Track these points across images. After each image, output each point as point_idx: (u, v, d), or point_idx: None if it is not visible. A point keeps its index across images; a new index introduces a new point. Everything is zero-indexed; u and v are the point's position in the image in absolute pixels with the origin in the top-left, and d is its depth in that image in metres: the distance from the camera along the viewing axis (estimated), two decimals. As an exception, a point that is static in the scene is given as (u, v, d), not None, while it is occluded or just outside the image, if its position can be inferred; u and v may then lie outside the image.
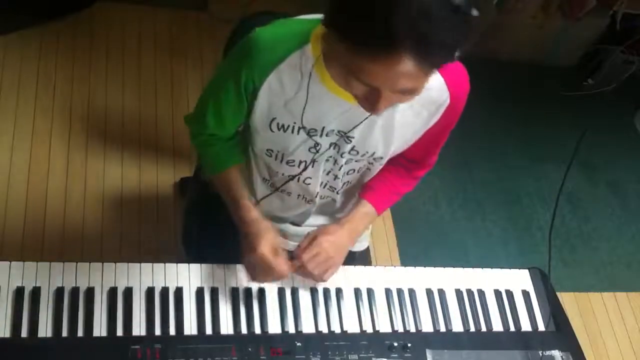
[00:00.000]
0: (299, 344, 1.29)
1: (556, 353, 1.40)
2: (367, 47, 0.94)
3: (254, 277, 1.36)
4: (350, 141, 1.29)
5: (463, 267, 1.51)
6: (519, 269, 1.55)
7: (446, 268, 1.49)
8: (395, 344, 1.32)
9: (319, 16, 1.15)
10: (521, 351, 1.39)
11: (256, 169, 1.44)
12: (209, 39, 2.84)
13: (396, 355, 1.31)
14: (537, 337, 1.43)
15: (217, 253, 1.51)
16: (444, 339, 1.38)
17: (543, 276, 1.54)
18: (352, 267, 1.44)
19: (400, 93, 1.03)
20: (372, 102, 1.05)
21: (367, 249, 1.69)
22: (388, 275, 1.45)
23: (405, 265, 1.69)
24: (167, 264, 1.34)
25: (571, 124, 3.13)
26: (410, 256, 2.52)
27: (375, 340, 1.33)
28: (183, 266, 1.35)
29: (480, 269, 1.52)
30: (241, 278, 1.36)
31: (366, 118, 1.23)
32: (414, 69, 0.94)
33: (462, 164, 2.88)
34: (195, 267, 1.35)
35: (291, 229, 1.55)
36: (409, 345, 1.32)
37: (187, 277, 1.33)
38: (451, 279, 1.48)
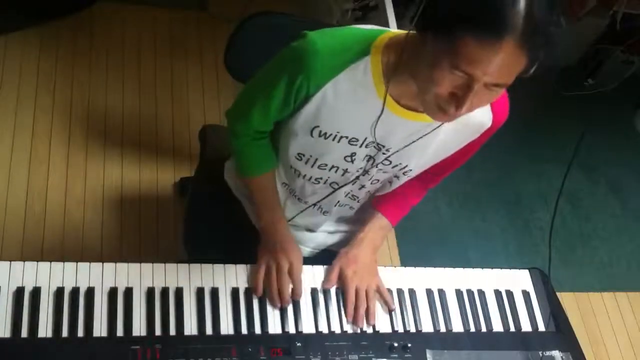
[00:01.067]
0: (299, 344, 1.29)
1: (556, 353, 1.40)
2: (480, 30, 0.97)
3: (262, 281, 1.35)
4: (387, 152, 1.29)
5: (463, 267, 1.51)
6: (519, 269, 1.55)
7: (446, 268, 1.49)
8: (395, 344, 1.32)
9: (373, 27, 1.19)
10: (521, 351, 1.39)
11: (276, 173, 1.45)
12: (209, 39, 2.85)
13: (396, 355, 1.31)
14: (537, 338, 1.43)
15: (217, 253, 1.52)
16: (444, 339, 1.38)
17: (543, 276, 1.54)
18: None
19: (488, 90, 1.03)
20: (460, 98, 1.04)
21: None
22: (388, 275, 1.45)
23: (405, 265, 1.69)
24: (167, 264, 1.34)
25: (571, 124, 3.12)
26: (410, 256, 2.52)
27: (375, 340, 1.33)
28: (183, 266, 1.35)
29: (480, 269, 1.52)
30: (241, 278, 1.36)
31: (423, 136, 1.24)
32: (516, 56, 0.98)
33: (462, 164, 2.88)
34: (195, 267, 1.35)
35: (306, 235, 1.56)
36: (409, 345, 1.32)
37: (187, 277, 1.33)
38: (451, 279, 1.48)
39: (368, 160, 1.32)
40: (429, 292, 1.44)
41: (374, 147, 1.29)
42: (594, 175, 3.07)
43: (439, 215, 2.72)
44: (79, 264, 1.29)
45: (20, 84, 2.53)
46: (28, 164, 2.35)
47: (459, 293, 1.46)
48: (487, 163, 2.93)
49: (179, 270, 1.34)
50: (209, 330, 1.27)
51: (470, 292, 1.46)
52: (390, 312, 1.39)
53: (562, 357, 1.40)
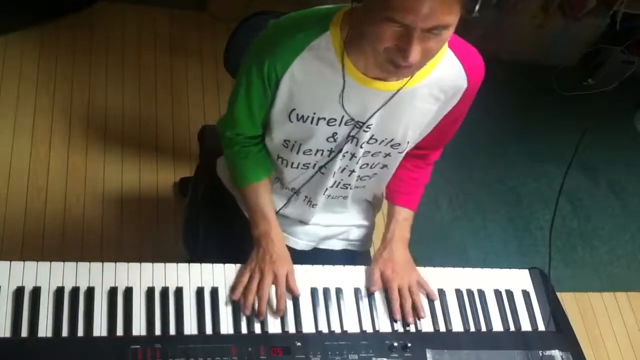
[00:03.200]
0: (299, 343, 1.28)
1: (556, 353, 1.40)
2: None
3: (244, 287, 1.33)
4: (368, 130, 1.30)
5: (463, 267, 1.51)
6: (519, 269, 1.55)
7: (446, 268, 1.49)
8: (395, 344, 1.32)
9: (334, 5, 1.19)
10: (521, 351, 1.39)
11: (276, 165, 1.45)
12: (209, 39, 2.85)
13: (396, 355, 1.31)
14: (537, 337, 1.43)
15: (217, 253, 1.52)
16: (444, 339, 1.38)
17: (543, 276, 1.54)
18: (352, 267, 1.44)
19: (430, 34, 1.04)
20: (404, 48, 1.05)
21: (368, 251, 1.69)
22: (388, 275, 1.45)
23: (405, 265, 1.68)
24: (167, 264, 1.34)
25: (571, 124, 3.12)
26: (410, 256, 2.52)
27: (375, 340, 1.33)
28: (183, 266, 1.35)
29: (480, 269, 1.52)
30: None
31: (383, 105, 1.24)
32: None
33: (462, 164, 2.88)
34: (195, 267, 1.35)
35: (299, 228, 1.55)
36: (409, 345, 1.32)
37: (187, 277, 1.33)
38: (451, 279, 1.48)
39: (352, 141, 1.32)
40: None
41: (354, 125, 1.29)
42: (594, 175, 3.07)
43: (439, 215, 2.72)
44: (79, 263, 1.29)
45: (20, 84, 2.53)
46: (28, 163, 2.35)
47: (459, 293, 1.46)
48: (487, 163, 2.94)
49: (179, 270, 1.34)
50: (208, 330, 1.27)
51: (470, 292, 1.46)
52: (431, 302, 1.42)
53: (562, 357, 1.40)
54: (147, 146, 2.50)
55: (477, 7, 1.03)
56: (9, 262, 1.25)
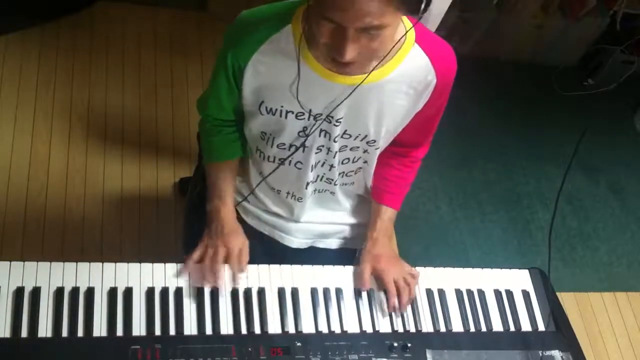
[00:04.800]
0: (299, 344, 1.29)
1: (556, 353, 1.40)
2: None
3: (201, 259, 1.34)
4: (338, 124, 1.29)
5: (463, 267, 1.51)
6: (519, 269, 1.55)
7: (446, 268, 1.49)
8: (395, 344, 1.32)
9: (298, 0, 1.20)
10: (521, 351, 1.39)
11: (253, 163, 1.46)
12: (209, 39, 2.85)
13: (396, 355, 1.31)
14: (537, 337, 1.43)
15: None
16: (444, 339, 1.38)
17: (543, 276, 1.54)
18: (352, 267, 1.44)
19: (366, 34, 1.04)
20: (339, 45, 1.06)
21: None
22: (388, 275, 1.45)
23: (405, 265, 1.68)
24: (167, 264, 1.34)
25: (571, 124, 3.13)
26: (410, 256, 2.51)
27: (375, 340, 1.33)
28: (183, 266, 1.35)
29: (480, 269, 1.52)
30: (241, 278, 1.36)
31: (347, 97, 1.24)
32: None
33: (462, 164, 2.88)
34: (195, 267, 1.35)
35: (292, 225, 1.55)
36: (409, 345, 1.32)
37: (187, 277, 1.33)
38: (451, 279, 1.48)
39: (325, 136, 1.33)
40: (429, 292, 1.44)
41: (322, 119, 1.29)
42: (594, 175, 3.07)
43: (439, 215, 2.72)
44: (79, 264, 1.29)
45: (20, 84, 2.53)
46: (28, 163, 2.35)
47: (459, 293, 1.46)
48: (487, 163, 2.94)
49: (178, 271, 1.34)
50: (208, 330, 1.27)
51: (470, 292, 1.46)
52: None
53: (562, 356, 1.40)
54: (147, 146, 2.50)
55: (421, 8, 1.03)
56: (9, 262, 1.26)
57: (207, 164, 1.48)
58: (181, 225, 1.80)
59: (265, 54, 1.22)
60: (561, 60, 3.34)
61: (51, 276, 1.26)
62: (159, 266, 1.33)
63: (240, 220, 1.57)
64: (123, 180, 2.40)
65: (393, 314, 1.39)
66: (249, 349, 1.25)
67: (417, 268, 1.48)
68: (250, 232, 1.57)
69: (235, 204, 1.56)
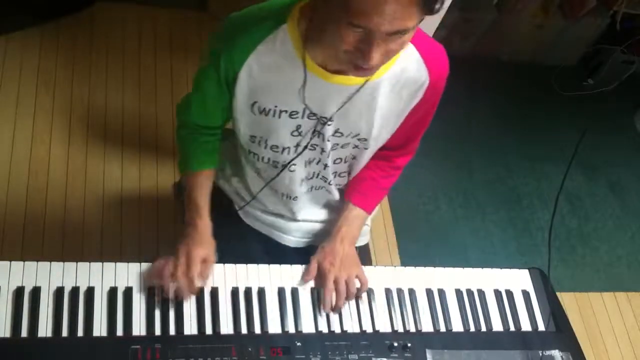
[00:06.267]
0: (298, 343, 1.29)
1: (556, 353, 1.40)
2: None
3: (163, 272, 1.30)
4: (331, 123, 1.29)
5: (463, 267, 1.51)
6: (519, 269, 1.55)
7: (446, 268, 1.49)
8: (395, 344, 1.32)
9: None
10: (521, 351, 1.39)
11: (247, 163, 1.45)
12: (209, 39, 2.85)
13: (396, 355, 1.31)
14: (537, 337, 1.43)
15: (218, 252, 1.52)
16: (444, 339, 1.38)
17: (543, 276, 1.54)
18: (352, 267, 1.44)
19: (392, 38, 1.03)
20: (365, 51, 1.05)
21: (367, 245, 1.69)
22: (388, 275, 1.45)
23: (405, 265, 1.69)
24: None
25: (571, 124, 3.13)
26: (410, 256, 2.52)
27: (375, 340, 1.33)
28: (183, 266, 1.35)
29: (480, 269, 1.52)
30: (241, 278, 1.36)
31: (346, 102, 1.23)
32: (406, 0, 0.97)
33: (462, 164, 2.88)
34: (195, 267, 1.35)
35: (291, 225, 1.55)
36: (409, 345, 1.32)
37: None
38: (451, 279, 1.48)
39: (318, 136, 1.32)
40: (429, 292, 1.44)
41: (316, 119, 1.28)
42: (594, 175, 3.07)
43: (439, 215, 2.72)
44: (79, 264, 1.29)
45: (20, 83, 2.53)
46: (28, 163, 2.35)
47: (459, 293, 1.46)
48: (487, 163, 2.94)
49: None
50: (208, 330, 1.27)
51: (470, 292, 1.46)
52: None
53: (562, 356, 1.40)
54: (147, 146, 2.50)
55: (436, 6, 1.01)
56: (9, 262, 1.25)
57: (182, 171, 1.46)
58: (181, 226, 1.80)
59: (260, 55, 1.20)
60: (561, 60, 3.35)
61: (51, 276, 1.26)
62: (159, 266, 1.33)
63: (239, 221, 1.58)
64: (123, 180, 2.40)
65: (393, 314, 1.38)
66: (249, 349, 1.25)
67: (418, 268, 1.48)
68: (250, 233, 1.57)
69: (238, 209, 1.56)
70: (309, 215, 1.54)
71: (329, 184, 1.47)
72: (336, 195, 1.52)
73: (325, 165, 1.41)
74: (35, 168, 2.35)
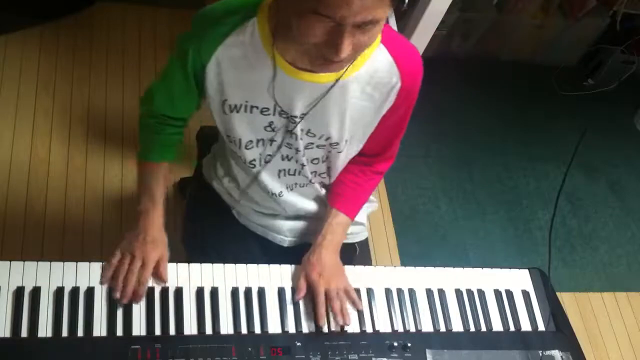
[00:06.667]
0: (298, 343, 1.29)
1: (556, 353, 1.40)
2: None
3: (117, 267, 1.30)
4: (300, 120, 1.27)
5: (463, 267, 1.51)
6: (519, 269, 1.55)
7: (446, 268, 1.49)
8: (395, 344, 1.32)
9: None
10: (521, 351, 1.39)
11: (233, 160, 1.45)
12: (209, 39, 2.84)
13: (396, 355, 1.31)
14: (537, 337, 1.43)
15: (216, 253, 1.52)
16: (444, 339, 1.38)
17: (543, 276, 1.54)
18: (352, 267, 1.44)
19: (361, 29, 1.01)
20: (334, 43, 1.02)
21: (367, 245, 1.69)
22: (388, 275, 1.45)
23: (405, 265, 1.69)
24: (166, 264, 1.34)
25: (571, 124, 3.13)
26: (410, 256, 2.52)
27: (375, 340, 1.33)
28: (183, 266, 1.35)
29: (480, 269, 1.52)
30: (241, 278, 1.36)
31: (318, 101, 1.22)
32: None
33: (462, 164, 2.88)
34: (195, 267, 1.35)
35: (286, 224, 1.54)
36: (409, 345, 1.32)
37: (187, 277, 1.33)
38: (451, 279, 1.48)
39: (290, 135, 1.30)
40: (429, 292, 1.44)
41: (285, 117, 1.27)
42: (594, 175, 3.07)
43: (439, 215, 2.72)
44: (79, 263, 1.29)
45: (20, 83, 2.53)
46: (28, 164, 2.35)
47: (458, 293, 1.46)
48: (487, 163, 2.94)
49: (178, 270, 1.34)
50: (208, 330, 1.27)
51: (470, 292, 1.46)
52: (358, 312, 1.37)
53: (562, 356, 1.40)
54: (147, 146, 2.50)
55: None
56: (9, 262, 1.25)
57: (140, 161, 1.43)
58: (181, 225, 1.80)
59: (229, 47, 1.18)
60: (561, 60, 3.35)
61: (51, 276, 1.26)
62: (159, 266, 1.33)
63: (236, 222, 1.57)
64: (123, 180, 2.40)
65: (393, 314, 1.38)
66: (249, 349, 1.25)
67: (418, 268, 1.48)
68: (247, 233, 1.57)
69: (232, 209, 1.56)
70: (300, 211, 1.52)
71: (311, 182, 1.45)
72: (322, 191, 1.51)
73: (303, 165, 1.39)
74: (35, 168, 2.35)
